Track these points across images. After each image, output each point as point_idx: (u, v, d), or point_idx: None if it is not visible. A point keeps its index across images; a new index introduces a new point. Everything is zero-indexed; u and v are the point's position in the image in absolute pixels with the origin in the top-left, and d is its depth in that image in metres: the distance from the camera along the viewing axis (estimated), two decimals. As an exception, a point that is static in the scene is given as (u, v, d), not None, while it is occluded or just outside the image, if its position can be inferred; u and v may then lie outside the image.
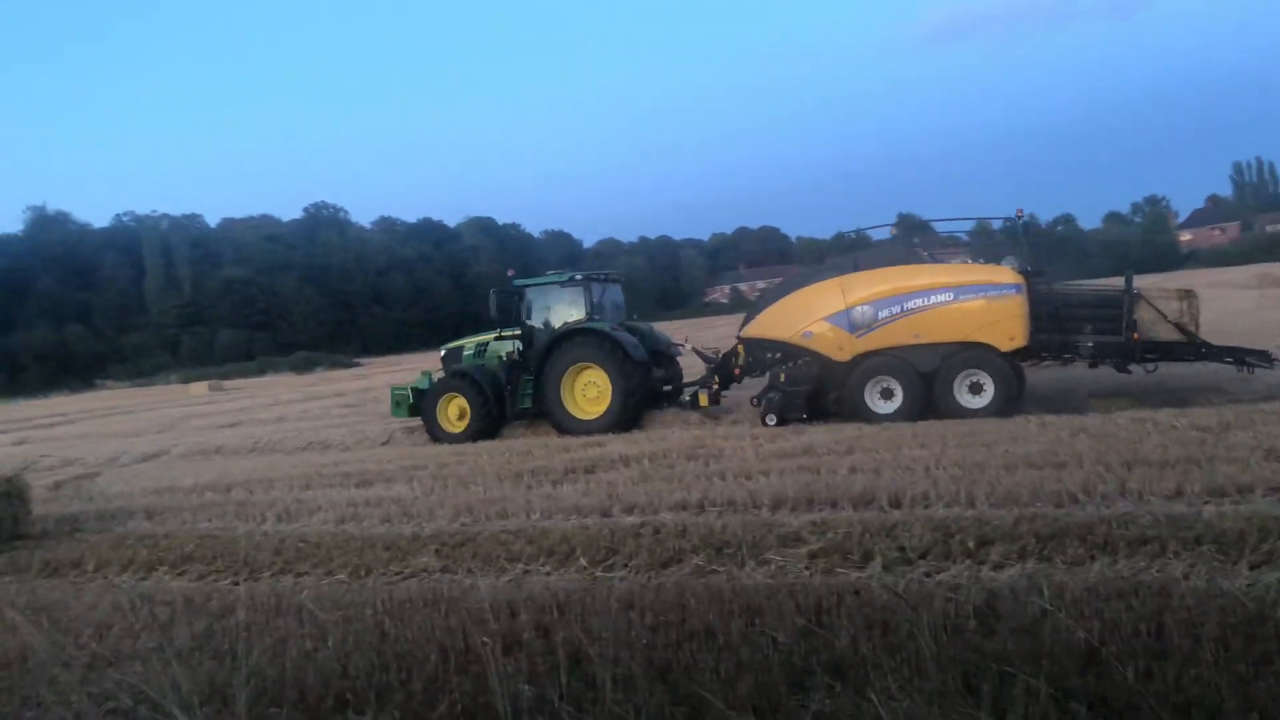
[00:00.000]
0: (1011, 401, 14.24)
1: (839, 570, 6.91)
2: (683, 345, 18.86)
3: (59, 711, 4.86)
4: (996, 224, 17.97)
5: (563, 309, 17.73)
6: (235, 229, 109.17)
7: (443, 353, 19.53)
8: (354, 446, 18.51)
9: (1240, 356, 14.04)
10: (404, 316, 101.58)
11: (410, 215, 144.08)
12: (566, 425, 16.70)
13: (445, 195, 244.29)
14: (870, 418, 14.53)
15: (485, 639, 5.56)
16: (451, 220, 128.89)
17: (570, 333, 16.92)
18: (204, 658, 5.90)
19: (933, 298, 14.62)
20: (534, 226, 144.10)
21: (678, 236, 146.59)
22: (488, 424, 17.43)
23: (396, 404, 18.74)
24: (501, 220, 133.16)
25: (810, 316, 15.45)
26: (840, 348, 15.12)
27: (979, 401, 14.29)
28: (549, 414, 17.03)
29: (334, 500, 11.79)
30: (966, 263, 15.87)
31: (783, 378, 15.63)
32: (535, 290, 18.08)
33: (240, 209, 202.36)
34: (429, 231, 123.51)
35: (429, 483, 12.47)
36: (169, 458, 19.77)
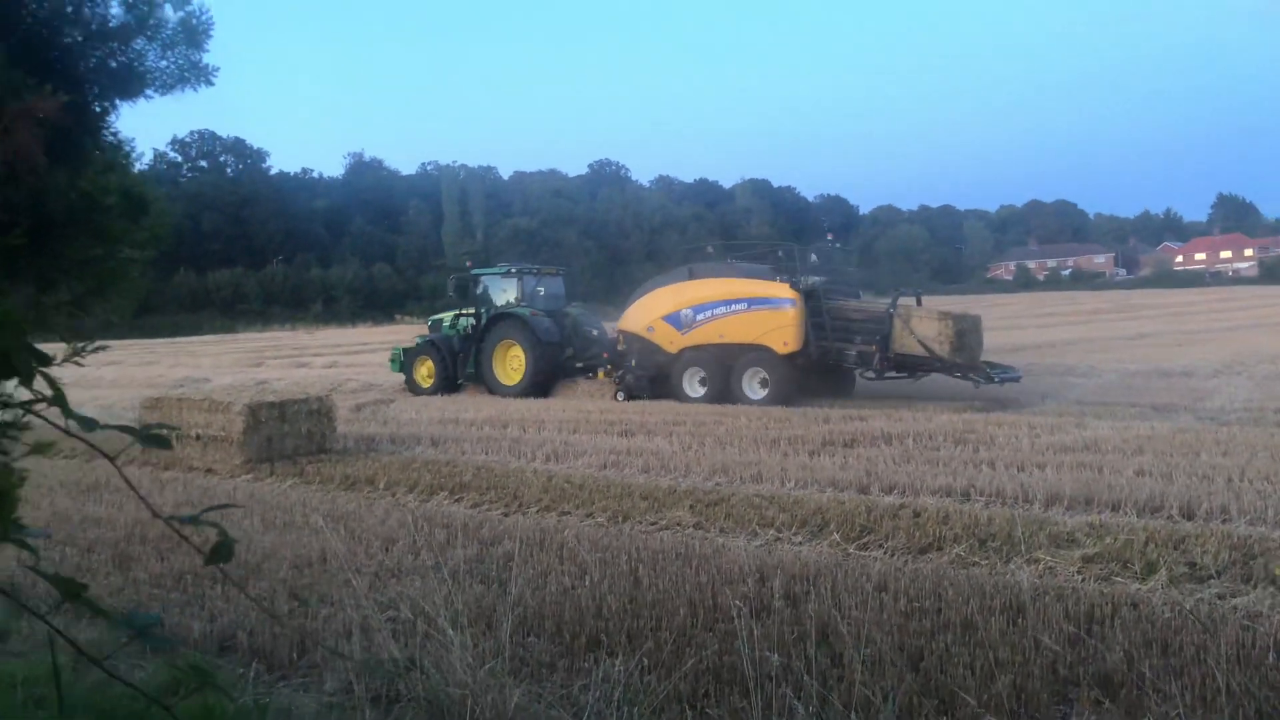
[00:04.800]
0: (786, 396, 16.91)
1: (1116, 579, 6.40)
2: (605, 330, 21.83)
3: (349, 612, 5.35)
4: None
5: (502, 295, 21.61)
6: (525, 181, 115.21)
7: (429, 322, 23.75)
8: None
9: (966, 372, 16.15)
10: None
11: (688, 175, 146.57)
12: (494, 389, 20.40)
13: (723, 156, 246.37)
14: (684, 399, 18.02)
15: (736, 600, 5.61)
16: (727, 181, 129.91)
17: (500, 315, 20.70)
18: (473, 581, 6.32)
19: (733, 306, 17.83)
20: (809, 190, 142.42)
21: (962, 206, 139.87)
22: (445, 383, 21.25)
23: (392, 360, 22.75)
24: (777, 183, 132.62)
25: (653, 314, 19.00)
26: (671, 342, 18.61)
27: (762, 394, 17.30)
28: (483, 379, 20.76)
29: (598, 446, 12.27)
30: (765, 280, 18.17)
31: (634, 363, 18.92)
32: (486, 278, 22.07)
33: (531, 163, 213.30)
34: (704, 191, 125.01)
35: (687, 439, 12.70)
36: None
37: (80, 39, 1.49)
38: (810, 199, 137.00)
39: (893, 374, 17.04)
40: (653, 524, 8.27)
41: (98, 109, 1.51)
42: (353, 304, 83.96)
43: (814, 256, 21.58)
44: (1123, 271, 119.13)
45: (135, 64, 1.58)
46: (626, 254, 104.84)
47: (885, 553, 7.22)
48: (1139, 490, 8.60)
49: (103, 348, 1.46)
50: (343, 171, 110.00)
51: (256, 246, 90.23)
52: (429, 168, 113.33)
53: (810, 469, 10.33)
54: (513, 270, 21.94)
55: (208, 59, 1.69)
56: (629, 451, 11.84)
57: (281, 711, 4.31)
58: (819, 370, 17.59)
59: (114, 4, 1.54)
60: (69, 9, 1.46)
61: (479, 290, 21.89)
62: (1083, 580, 6.38)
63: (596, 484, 9.88)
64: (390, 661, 4.32)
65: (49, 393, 1.14)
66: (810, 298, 17.24)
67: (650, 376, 18.71)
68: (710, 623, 5.51)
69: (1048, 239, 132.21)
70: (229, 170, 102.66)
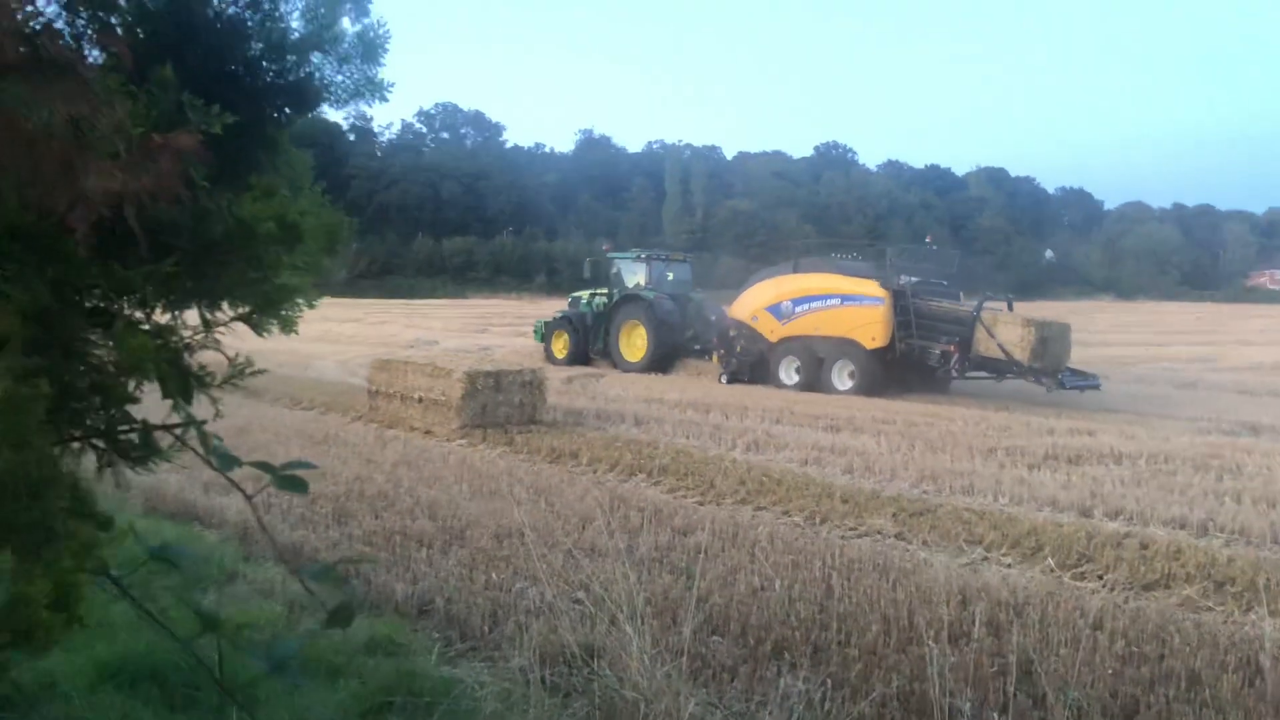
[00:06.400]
0: (872, 389, 17.69)
1: (1382, 648, 5.62)
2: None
3: (538, 590, 5.46)
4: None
5: (632, 277, 22.93)
6: (748, 162, 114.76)
7: (570, 299, 25.11)
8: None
9: (1039, 376, 16.75)
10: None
11: (918, 160, 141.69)
12: (619, 364, 21.90)
13: (957, 142, 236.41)
14: (780, 386, 19.03)
15: (931, 624, 5.32)
16: (960, 169, 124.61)
17: (627, 297, 22.20)
18: (662, 571, 6.31)
19: (828, 301, 18.82)
20: (1049, 182, 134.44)
21: (1223, 206, 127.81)
22: (578, 356, 22.85)
23: (535, 331, 25.13)
24: (1014, 173, 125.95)
25: (758, 304, 20.01)
26: (772, 331, 19.65)
27: (850, 384, 18.21)
28: (609, 355, 22.32)
29: (801, 440, 12.04)
30: (860, 277, 18.92)
31: (739, 349, 20.02)
32: (620, 261, 23.36)
33: (755, 144, 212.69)
34: (934, 178, 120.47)
35: (896, 440, 12.25)
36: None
37: (259, 54, 1.50)
38: (1050, 191, 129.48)
39: (976, 374, 17.89)
40: (851, 529, 8.00)
41: (272, 128, 1.52)
42: (573, 276, 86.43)
43: (931, 251, 23.86)
44: None
45: (312, 79, 1.58)
46: (847, 238, 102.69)
47: (1104, 586, 6.66)
48: None
49: (259, 371, 1.47)
50: (573, 147, 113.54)
51: (489, 216, 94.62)
52: (655, 146, 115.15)
53: (1028, 484, 9.71)
54: (643, 255, 23.64)
55: (382, 74, 1.67)
56: (833, 449, 11.54)
57: (464, 686, 4.43)
58: (906, 366, 18.23)
59: (294, 17, 1.54)
60: (251, 23, 1.47)
61: (613, 272, 23.38)
62: (1339, 644, 5.65)
63: (796, 480, 9.67)
64: (568, 654, 4.36)
65: (209, 411, 1.13)
66: (899, 297, 18.04)
67: (752, 362, 19.95)
68: (903, 644, 5.25)
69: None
70: (468, 142, 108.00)
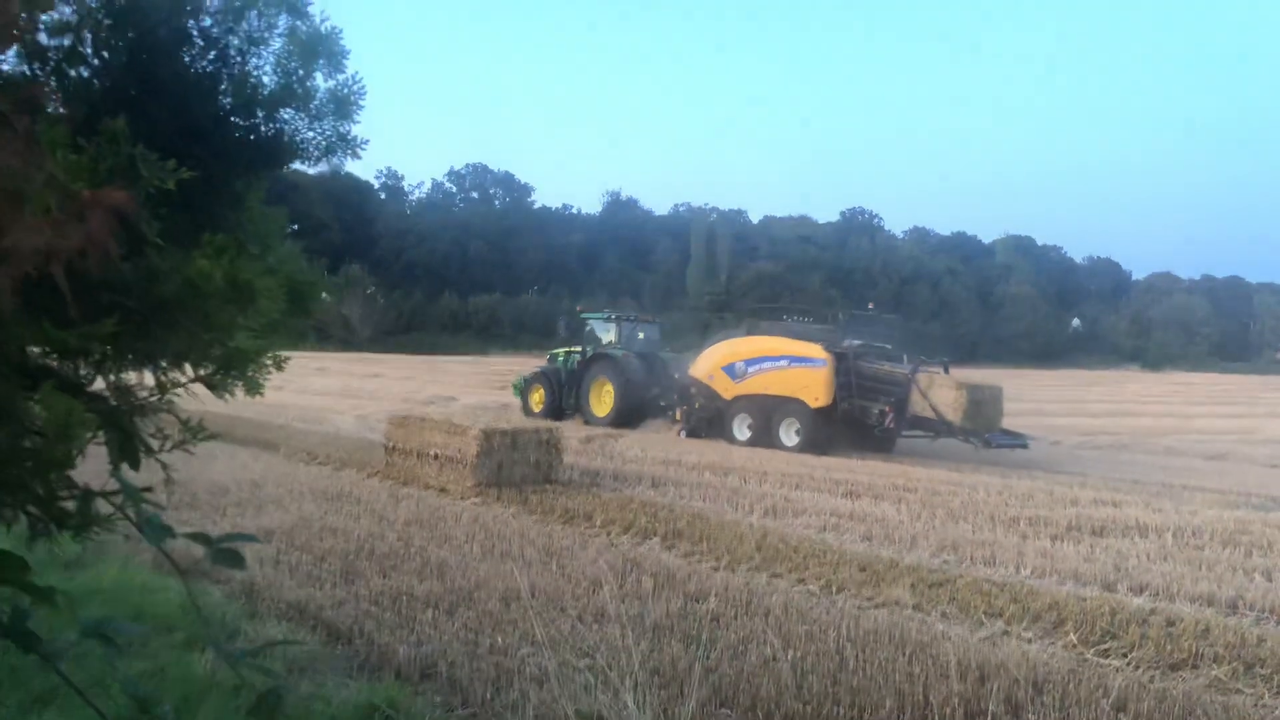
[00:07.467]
0: (816, 446, 18.72)
1: None
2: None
3: (541, 656, 5.33)
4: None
5: (603, 336, 24.11)
6: (774, 226, 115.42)
7: (548, 355, 26.43)
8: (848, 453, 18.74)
9: (969, 435, 18.01)
10: (922, 329, 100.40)
11: (944, 228, 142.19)
12: (588, 419, 22.79)
13: (983, 210, 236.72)
14: (734, 442, 20.03)
15: (946, 701, 5.16)
16: (987, 236, 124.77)
17: (597, 355, 23.41)
18: (671, 639, 6.16)
19: (777, 362, 19.97)
20: (1077, 251, 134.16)
21: (1253, 279, 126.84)
22: (553, 410, 23.61)
23: (514, 386, 26.15)
24: (1041, 241, 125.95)
25: (714, 364, 21.16)
26: (727, 389, 20.72)
27: (795, 441, 19.24)
28: (580, 410, 23.16)
29: (819, 506, 11.86)
30: (806, 340, 20.27)
31: (697, 405, 21.23)
32: (593, 321, 24.83)
33: (781, 208, 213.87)
34: (961, 245, 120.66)
35: (917, 508, 12.05)
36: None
37: (228, 109, 1.47)
38: (1078, 260, 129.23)
39: (912, 433, 19.08)
40: (868, 599, 7.81)
41: (240, 184, 1.49)
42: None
43: (873, 316, 25.74)
44: None
45: (283, 135, 1.55)
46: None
47: (1128, 664, 6.43)
48: None
49: (211, 436, 1.42)
50: (600, 209, 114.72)
51: (515, 275, 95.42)
52: (681, 209, 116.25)
53: (1050, 556, 9.49)
54: (613, 316, 25.16)
55: (356, 130, 1.65)
56: (852, 515, 11.36)
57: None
58: (848, 424, 19.25)
59: (266, 72, 1.51)
60: (222, 79, 1.44)
61: (586, 330, 24.70)
62: (1376, 733, 5.42)
63: (812, 547, 9.50)
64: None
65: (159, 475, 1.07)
66: (842, 359, 19.25)
67: (709, 419, 21.16)
68: (917, 721, 5.08)
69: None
70: (497, 202, 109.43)
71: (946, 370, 19.81)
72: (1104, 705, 5.37)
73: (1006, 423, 19.35)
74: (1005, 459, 18.83)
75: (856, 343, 20.40)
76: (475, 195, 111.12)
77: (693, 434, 21.20)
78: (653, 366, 23.48)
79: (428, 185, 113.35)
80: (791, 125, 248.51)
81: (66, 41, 1.31)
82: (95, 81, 1.32)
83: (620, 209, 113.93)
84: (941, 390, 18.27)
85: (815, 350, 19.57)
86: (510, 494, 11.80)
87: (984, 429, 18.16)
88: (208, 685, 4.55)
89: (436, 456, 12.79)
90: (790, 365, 19.77)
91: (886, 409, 18.41)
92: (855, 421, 19.10)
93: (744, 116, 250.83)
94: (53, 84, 1.29)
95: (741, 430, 20.46)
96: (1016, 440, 18.56)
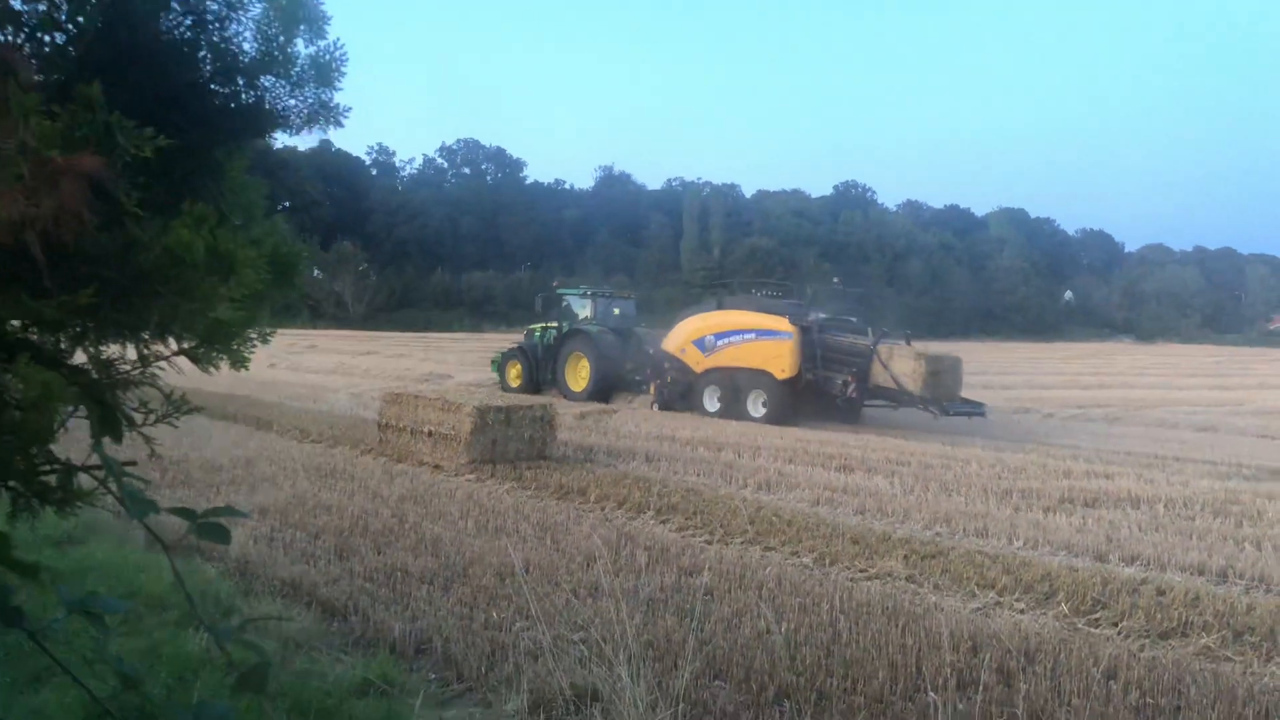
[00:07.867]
0: (782, 417, 19.35)
1: None
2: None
3: (535, 631, 5.35)
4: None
5: (579, 312, 24.49)
6: (767, 201, 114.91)
7: (525, 331, 26.39)
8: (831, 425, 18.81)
9: (927, 404, 18.44)
10: (915, 302, 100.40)
11: (937, 201, 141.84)
12: (565, 393, 23.08)
13: (976, 183, 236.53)
14: (704, 414, 20.52)
15: (939, 671, 5.19)
16: (980, 209, 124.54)
17: (573, 331, 23.70)
18: (665, 612, 6.19)
19: (745, 335, 20.47)
20: (1070, 224, 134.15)
21: (1245, 250, 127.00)
22: (530, 385, 23.99)
23: (492, 362, 26.28)
24: (1034, 214, 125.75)
25: (686, 338, 21.64)
26: (697, 363, 21.24)
27: (762, 412, 19.88)
28: (557, 384, 23.52)
29: (813, 480, 11.90)
30: (773, 314, 20.56)
31: (669, 379, 21.64)
32: (569, 297, 25.21)
33: (774, 182, 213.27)
34: (954, 218, 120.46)
35: (909, 481, 12.09)
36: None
37: (208, 76, 1.44)
38: (1070, 233, 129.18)
39: (874, 402, 19.77)
40: (861, 571, 7.84)
41: (220, 153, 1.46)
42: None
43: (838, 290, 27.85)
44: None
45: (264, 103, 1.52)
46: (865, 278, 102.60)
47: (1119, 633, 6.49)
48: None
49: (195, 409, 1.40)
50: (593, 184, 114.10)
51: (508, 252, 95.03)
52: (674, 184, 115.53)
53: (1043, 528, 9.54)
54: (589, 292, 25.45)
55: (339, 98, 1.62)
56: (845, 489, 11.39)
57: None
58: (813, 395, 19.76)
59: (245, 38, 1.48)
60: (201, 43, 1.41)
61: (563, 306, 24.99)
62: (1363, 699, 5.46)
63: (806, 521, 9.53)
64: (564, 697, 4.24)
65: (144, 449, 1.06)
66: (806, 332, 19.75)
67: (681, 392, 21.57)
68: (910, 692, 5.11)
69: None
70: (489, 178, 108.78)
71: (908, 342, 20.27)
72: (1095, 674, 5.41)
73: (998, 396, 19.70)
74: (999, 431, 19.08)
75: (822, 316, 21.00)
76: (467, 171, 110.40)
77: (666, 407, 21.61)
78: (627, 341, 23.86)
79: (419, 161, 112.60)
80: (785, 98, 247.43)
81: (41, 7, 1.29)
82: (70, 48, 1.29)
83: (613, 184, 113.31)
84: (902, 361, 18.80)
85: (782, 324, 20.01)
86: (504, 470, 11.80)
87: (944, 398, 18.69)
88: (202, 662, 4.56)
89: (430, 433, 12.78)
90: (758, 338, 20.29)
91: (849, 379, 18.98)
92: (820, 392, 19.62)
93: (738, 90, 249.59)
94: (26, 50, 1.26)
95: (711, 402, 20.93)
96: (974, 409, 19.07)
